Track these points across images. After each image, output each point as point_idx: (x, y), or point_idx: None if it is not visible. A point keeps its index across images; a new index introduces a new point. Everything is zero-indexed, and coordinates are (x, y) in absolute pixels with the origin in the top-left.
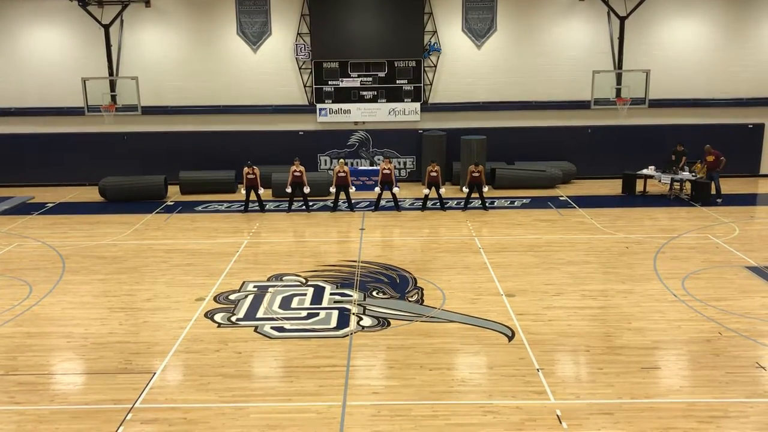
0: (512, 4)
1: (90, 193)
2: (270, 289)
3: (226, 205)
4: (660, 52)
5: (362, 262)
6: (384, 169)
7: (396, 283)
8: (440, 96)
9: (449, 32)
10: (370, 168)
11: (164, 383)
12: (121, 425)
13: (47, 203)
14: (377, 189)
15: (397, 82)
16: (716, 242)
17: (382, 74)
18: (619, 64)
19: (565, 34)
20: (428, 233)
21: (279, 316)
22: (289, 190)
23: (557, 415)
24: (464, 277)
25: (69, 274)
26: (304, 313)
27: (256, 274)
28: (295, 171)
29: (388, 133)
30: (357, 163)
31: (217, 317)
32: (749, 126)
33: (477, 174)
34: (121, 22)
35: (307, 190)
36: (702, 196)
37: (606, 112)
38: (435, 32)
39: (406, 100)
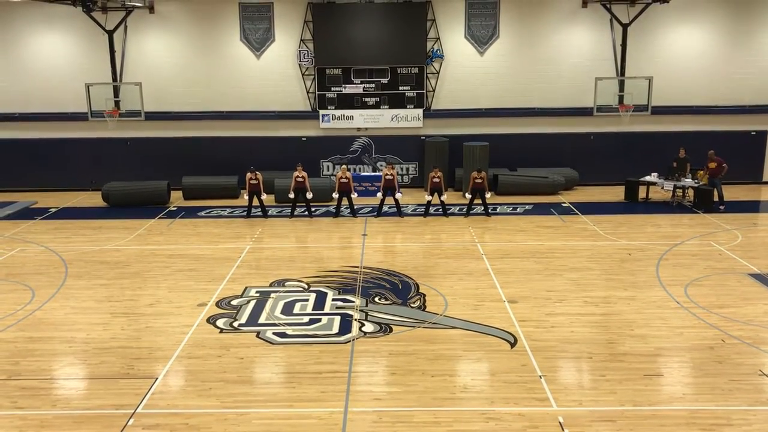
0: (515, 11)
1: (93, 198)
2: (272, 295)
3: (228, 210)
4: (662, 59)
5: (364, 267)
6: (386, 175)
7: (398, 289)
8: (443, 102)
9: (452, 39)
10: (373, 174)
11: (166, 388)
12: (122, 430)
13: (50, 208)
14: (379, 195)
15: (400, 88)
16: (719, 249)
17: (384, 81)
18: (621, 71)
19: (567, 41)
20: (430, 239)
21: (281, 321)
22: (291, 195)
23: (560, 422)
24: (466, 284)
25: (71, 279)
26: (306, 319)
27: (259, 280)
28: (298, 177)
29: (390, 140)
30: (359, 169)
31: (219, 323)
32: (752, 133)
33: (479, 180)
34: (125, 28)
35: (309, 195)
36: (705, 203)
37: (609, 118)
38: (438, 39)
39: (408, 106)
